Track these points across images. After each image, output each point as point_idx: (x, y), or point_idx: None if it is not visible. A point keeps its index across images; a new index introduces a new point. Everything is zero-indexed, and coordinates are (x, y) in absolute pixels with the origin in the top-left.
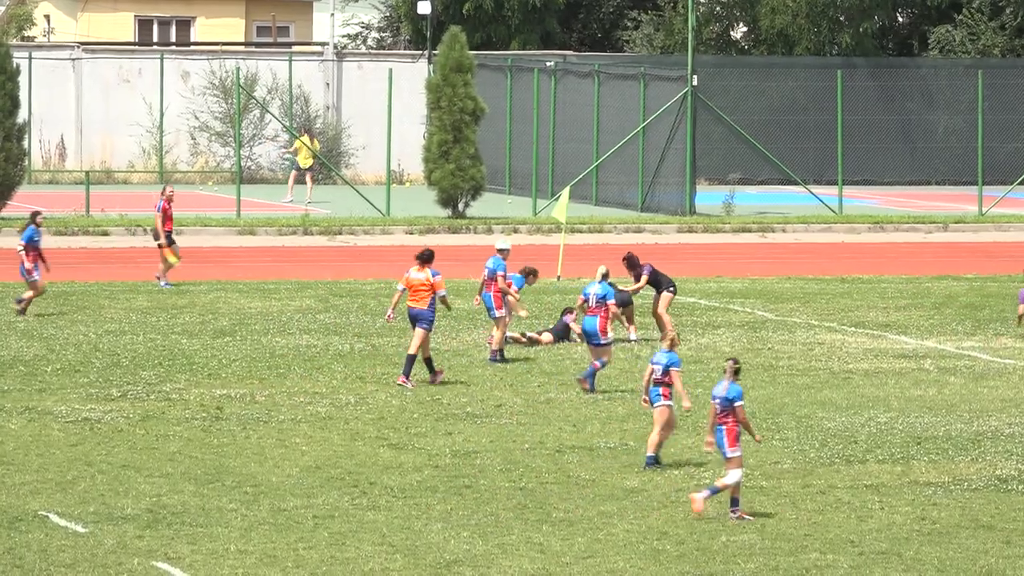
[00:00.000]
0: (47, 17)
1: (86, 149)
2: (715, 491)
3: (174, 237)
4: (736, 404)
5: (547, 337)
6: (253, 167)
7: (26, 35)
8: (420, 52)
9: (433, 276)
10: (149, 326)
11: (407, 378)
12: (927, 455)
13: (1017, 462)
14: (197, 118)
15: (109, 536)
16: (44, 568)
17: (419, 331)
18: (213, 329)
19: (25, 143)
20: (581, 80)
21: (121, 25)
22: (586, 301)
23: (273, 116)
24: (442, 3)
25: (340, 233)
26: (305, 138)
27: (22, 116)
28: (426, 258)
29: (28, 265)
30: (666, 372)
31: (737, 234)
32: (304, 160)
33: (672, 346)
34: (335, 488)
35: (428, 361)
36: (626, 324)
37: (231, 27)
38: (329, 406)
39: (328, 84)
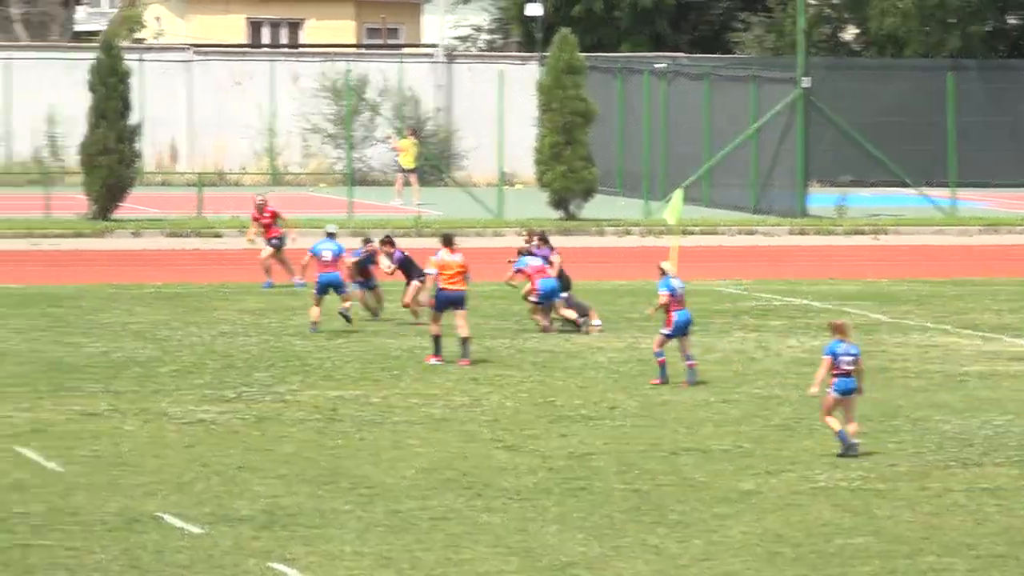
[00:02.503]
0: (158, 19)
1: (198, 151)
2: None
3: (275, 243)
4: None
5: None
6: (364, 169)
7: (137, 37)
8: (530, 54)
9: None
10: (263, 327)
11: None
12: None
13: None
14: (308, 120)
15: (225, 537)
16: (160, 569)
17: (462, 311)
18: (327, 331)
19: (137, 145)
20: (692, 82)
21: (232, 27)
22: (673, 296)
23: (384, 118)
24: (552, 5)
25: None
26: (409, 139)
27: (135, 118)
28: (452, 240)
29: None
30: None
31: (849, 236)
32: (408, 162)
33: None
34: (450, 490)
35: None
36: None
37: (341, 29)
38: (443, 408)
39: (439, 86)
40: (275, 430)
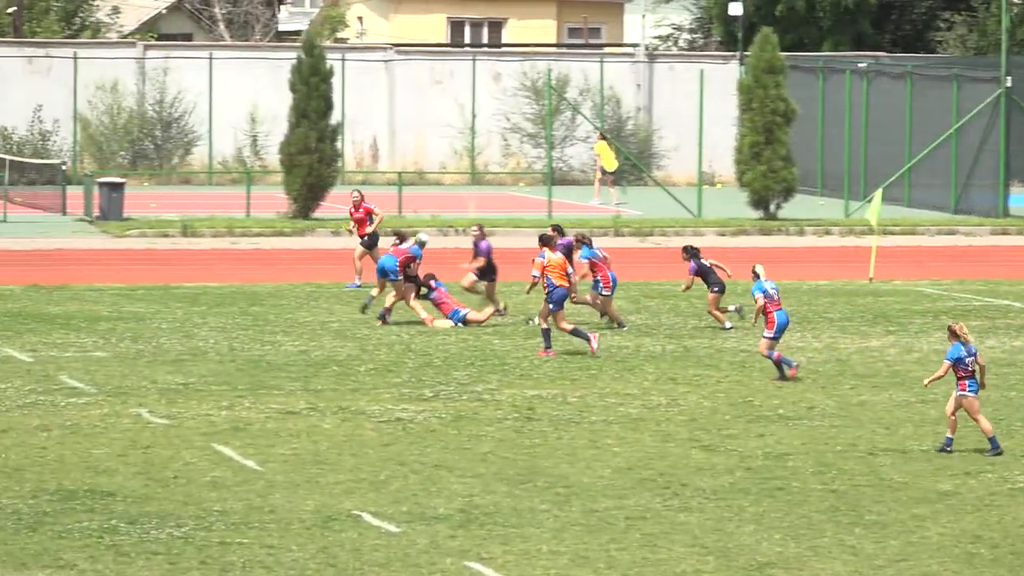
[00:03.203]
0: (360, 19)
1: (398, 150)
2: None
3: (366, 241)
4: None
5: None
6: (564, 168)
7: (339, 36)
8: (731, 53)
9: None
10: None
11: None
12: None
13: None
14: (508, 119)
15: (422, 536)
16: (357, 567)
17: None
18: (524, 330)
19: (338, 144)
20: (893, 81)
21: (433, 26)
22: (768, 298)
23: (584, 117)
24: (753, 4)
25: (651, 234)
26: (604, 143)
27: (335, 117)
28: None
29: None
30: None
31: None
32: (609, 163)
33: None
34: (647, 489)
35: (576, 331)
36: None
37: (542, 28)
38: (640, 407)
39: (639, 85)
40: (472, 429)
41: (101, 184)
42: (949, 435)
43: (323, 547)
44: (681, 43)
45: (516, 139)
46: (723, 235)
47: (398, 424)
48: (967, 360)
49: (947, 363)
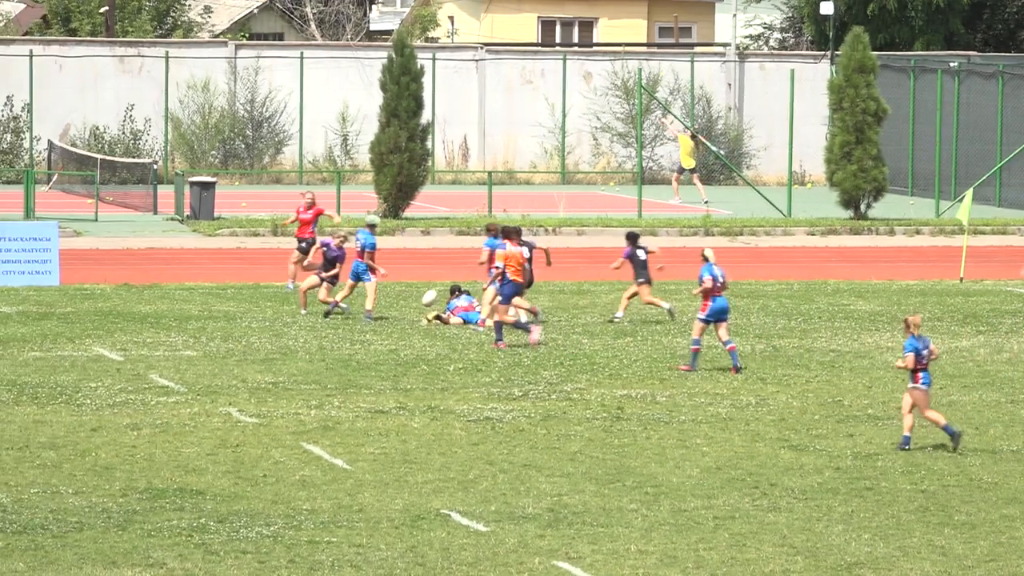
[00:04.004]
0: (451, 18)
1: (488, 149)
2: None
3: (305, 246)
4: None
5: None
6: (655, 168)
7: (430, 36)
8: (822, 53)
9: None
10: (550, 325)
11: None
12: None
13: None
14: (599, 119)
15: (510, 535)
16: (446, 566)
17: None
18: (614, 329)
19: (429, 143)
20: (985, 81)
21: (524, 26)
22: (716, 281)
23: (675, 117)
24: (845, 4)
25: (741, 234)
26: (686, 138)
27: (426, 117)
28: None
29: None
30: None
31: None
32: (687, 161)
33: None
34: (736, 489)
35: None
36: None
37: (633, 28)
38: (730, 407)
39: (730, 85)
40: (561, 428)
41: (192, 183)
42: (906, 433)
43: (412, 546)
44: (772, 42)
45: (606, 139)
46: (813, 235)
47: (487, 423)
48: (923, 352)
49: (910, 355)
